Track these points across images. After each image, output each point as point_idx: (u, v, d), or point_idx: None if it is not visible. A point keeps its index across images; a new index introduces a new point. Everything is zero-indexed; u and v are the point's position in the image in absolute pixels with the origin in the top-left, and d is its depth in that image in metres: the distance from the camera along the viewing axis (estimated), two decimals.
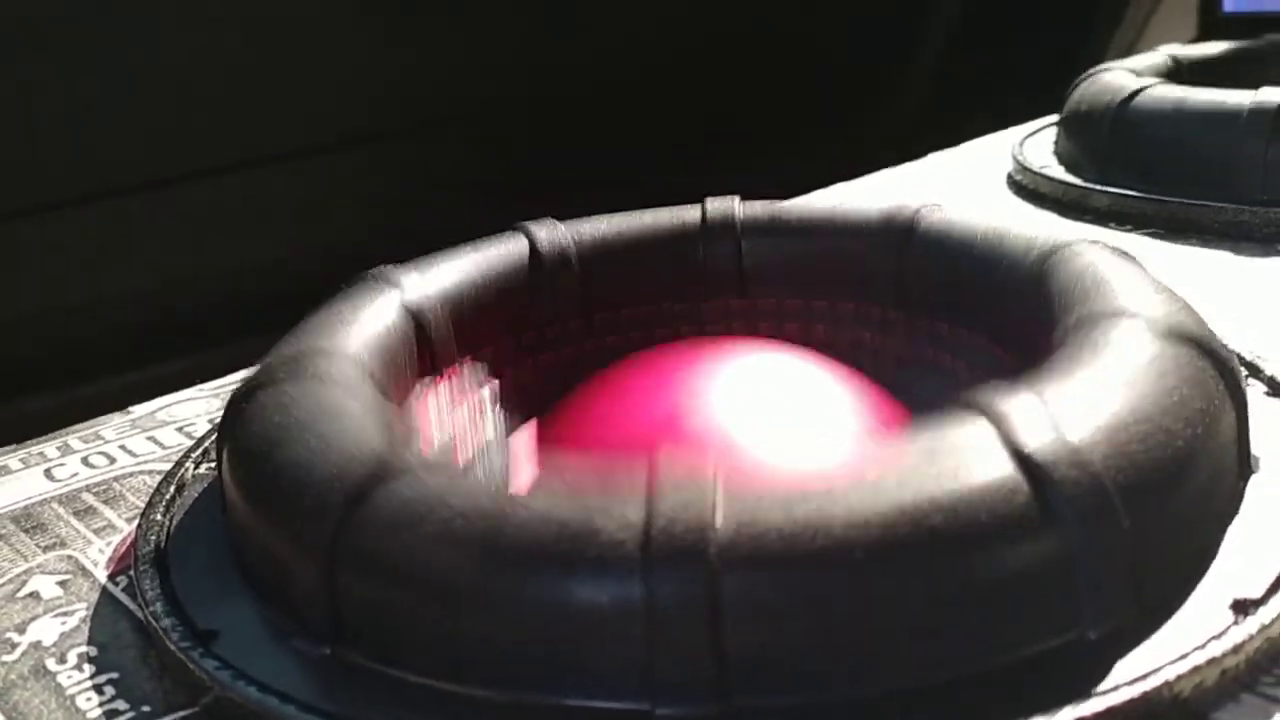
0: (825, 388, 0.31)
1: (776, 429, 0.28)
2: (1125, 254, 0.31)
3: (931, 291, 0.34)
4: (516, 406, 0.34)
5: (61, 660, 0.26)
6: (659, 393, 0.30)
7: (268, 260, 0.70)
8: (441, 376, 0.33)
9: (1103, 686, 0.20)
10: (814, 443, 0.28)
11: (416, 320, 0.32)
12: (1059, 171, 0.56)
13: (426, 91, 0.74)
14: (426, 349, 0.32)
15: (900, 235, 0.34)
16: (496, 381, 0.34)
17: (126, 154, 0.63)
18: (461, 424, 0.33)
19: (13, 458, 0.36)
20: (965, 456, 0.22)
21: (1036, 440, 0.22)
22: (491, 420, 0.34)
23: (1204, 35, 0.99)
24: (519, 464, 0.31)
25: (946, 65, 1.06)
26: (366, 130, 0.73)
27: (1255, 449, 0.28)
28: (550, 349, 0.36)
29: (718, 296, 0.37)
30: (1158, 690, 0.20)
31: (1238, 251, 0.46)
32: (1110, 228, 0.50)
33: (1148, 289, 0.28)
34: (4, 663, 0.26)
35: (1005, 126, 0.68)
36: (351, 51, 0.70)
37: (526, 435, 0.33)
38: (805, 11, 0.96)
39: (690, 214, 0.37)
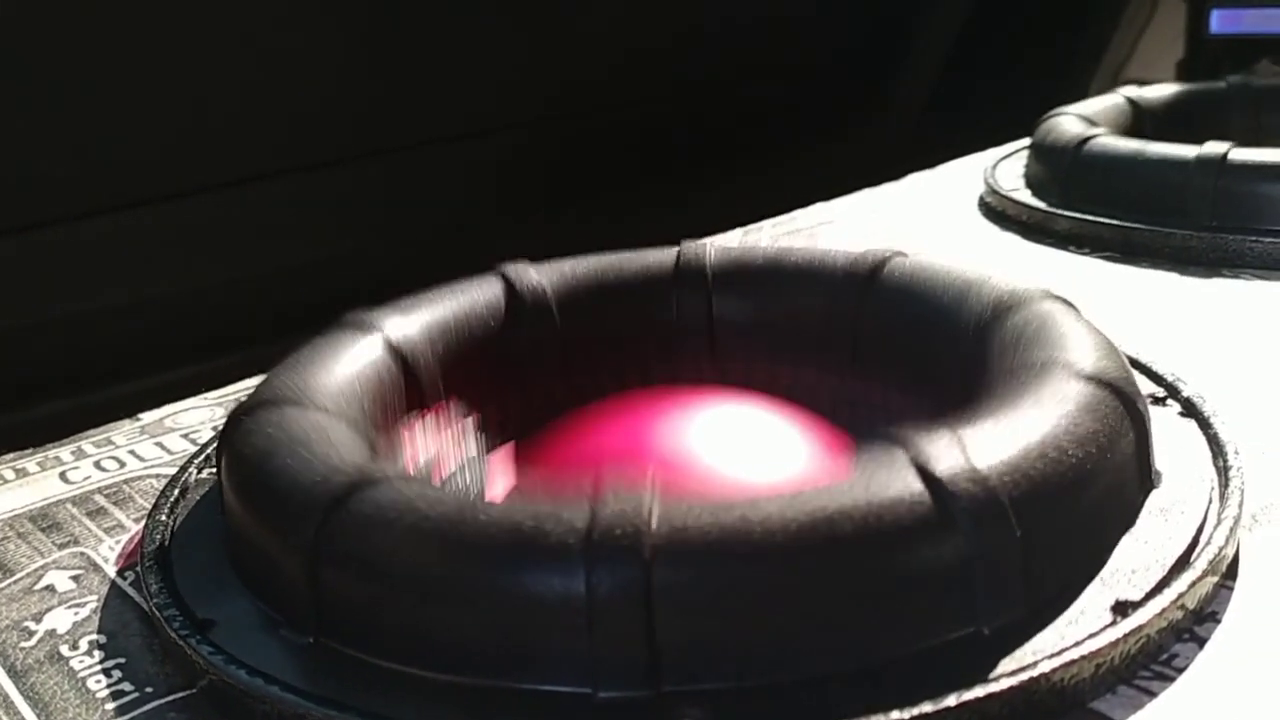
0: (777, 436, 0.33)
1: (724, 465, 0.31)
2: (1064, 304, 0.33)
3: (886, 355, 0.36)
4: (495, 446, 0.36)
5: (74, 647, 0.29)
6: (621, 431, 0.33)
7: (270, 272, 0.72)
8: (423, 418, 0.35)
9: (989, 676, 0.23)
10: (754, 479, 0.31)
11: (403, 372, 0.34)
12: (1026, 195, 0.59)
13: (426, 111, 0.77)
14: (415, 399, 0.35)
15: (859, 295, 0.37)
16: (475, 424, 0.36)
17: (135, 168, 0.66)
18: (442, 456, 0.35)
19: (30, 461, 0.38)
20: (876, 472, 0.25)
21: (939, 457, 0.25)
22: (469, 452, 0.36)
23: (1191, 57, 1.02)
24: (490, 477, 0.34)
25: (937, 84, 1.08)
26: (368, 147, 0.75)
27: (1161, 465, 0.30)
28: (532, 412, 0.38)
29: (690, 357, 0.39)
30: (1036, 680, 0.23)
31: (1184, 274, 0.49)
32: (1070, 250, 0.53)
33: (1070, 339, 0.31)
34: (22, 648, 0.29)
35: (995, 144, 0.70)
36: (354, 72, 0.73)
37: (500, 461, 0.36)
38: (798, 32, 0.98)
39: (664, 265, 0.39)
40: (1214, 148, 0.51)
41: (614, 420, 0.33)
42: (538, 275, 0.38)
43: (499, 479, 0.33)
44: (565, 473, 0.31)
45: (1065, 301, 0.34)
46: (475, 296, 0.37)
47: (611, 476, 0.24)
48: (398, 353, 0.34)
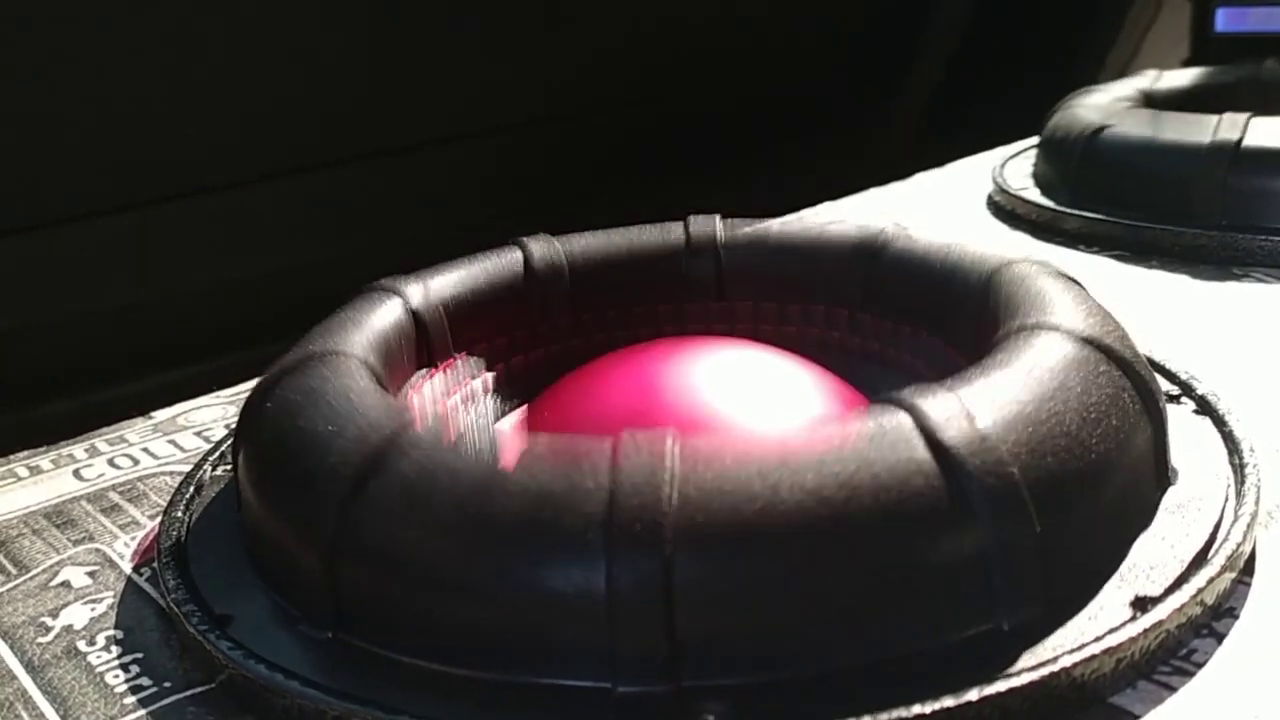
0: (786, 379, 0.33)
1: (737, 417, 0.31)
2: (1066, 276, 0.33)
3: (894, 298, 0.37)
4: (507, 397, 0.37)
5: (91, 642, 0.29)
6: (634, 383, 0.33)
7: (280, 270, 0.72)
8: (437, 368, 0.36)
9: (1009, 671, 0.23)
10: (767, 431, 0.31)
11: (418, 325, 0.35)
12: (1035, 194, 0.59)
13: (434, 110, 0.77)
14: (425, 350, 0.35)
15: (869, 251, 0.37)
16: (489, 375, 0.37)
17: (145, 168, 0.66)
18: (455, 411, 0.36)
19: (44, 459, 0.39)
20: (898, 466, 0.24)
21: (963, 449, 0.25)
22: (482, 407, 0.37)
23: (1196, 55, 1.02)
24: (504, 444, 0.34)
25: (944, 84, 1.08)
26: (377, 146, 0.76)
27: (1177, 462, 0.30)
28: (540, 346, 0.39)
29: (699, 315, 0.39)
30: (1056, 675, 0.23)
31: (1195, 274, 0.49)
32: (1080, 249, 0.53)
33: (1082, 307, 0.31)
34: (39, 644, 0.29)
35: (1001, 143, 0.71)
36: (363, 72, 0.73)
37: (515, 419, 0.36)
38: (803, 31, 0.98)
39: (674, 231, 0.40)
40: (1224, 142, 0.51)
41: (625, 374, 0.33)
42: (553, 245, 0.39)
43: (512, 444, 0.33)
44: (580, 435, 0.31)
45: (1065, 275, 0.33)
46: (492, 264, 0.38)
47: (629, 449, 0.24)
48: (415, 320, 0.34)
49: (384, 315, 0.34)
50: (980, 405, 0.26)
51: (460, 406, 0.36)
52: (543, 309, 0.38)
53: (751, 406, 0.31)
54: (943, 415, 0.25)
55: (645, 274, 0.39)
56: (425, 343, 0.35)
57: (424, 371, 0.35)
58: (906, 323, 0.36)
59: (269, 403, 0.30)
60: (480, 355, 0.37)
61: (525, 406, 0.37)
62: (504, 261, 0.38)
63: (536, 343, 0.38)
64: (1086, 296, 0.32)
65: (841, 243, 0.38)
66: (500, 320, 0.38)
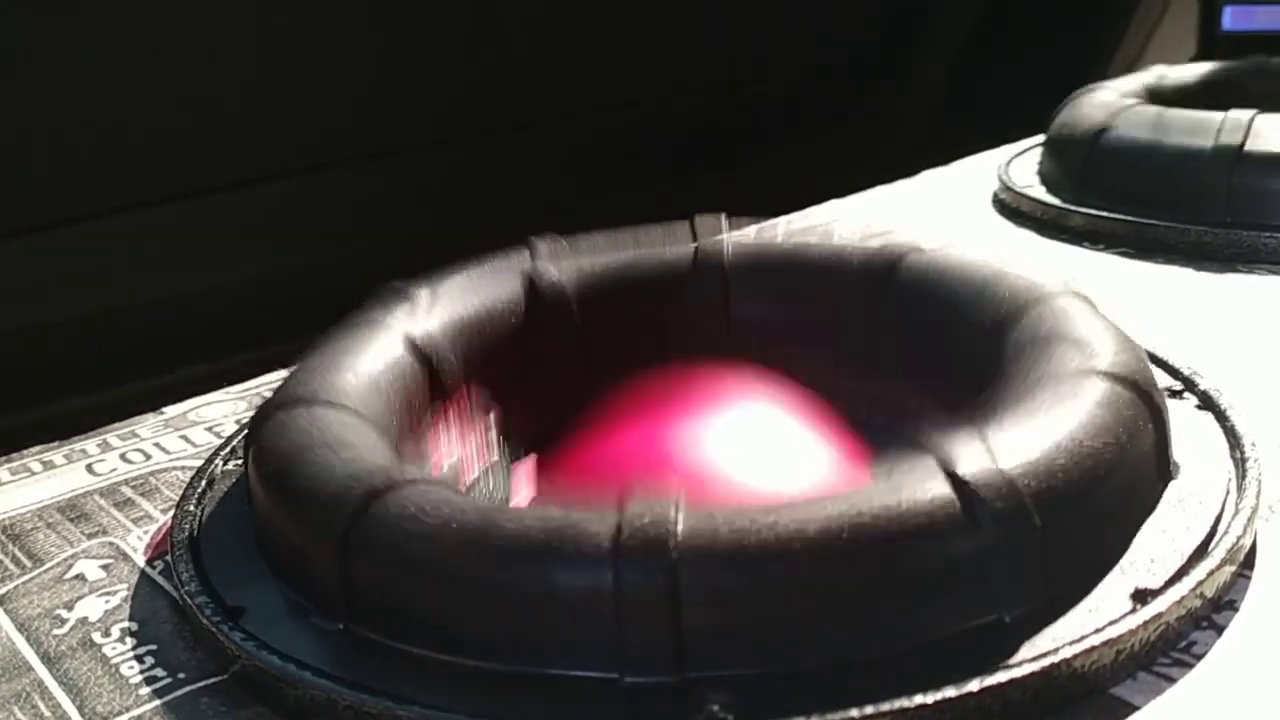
0: (798, 444, 0.33)
1: (746, 472, 0.31)
2: (1081, 298, 0.34)
3: (903, 351, 0.36)
4: (518, 446, 0.37)
5: (106, 634, 0.29)
6: (645, 439, 0.33)
7: (289, 269, 0.73)
8: (447, 419, 0.36)
9: (1010, 662, 0.24)
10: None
11: (424, 360, 0.34)
12: (1040, 192, 0.59)
13: (441, 110, 0.78)
14: (437, 389, 0.35)
15: (877, 291, 0.37)
16: (498, 424, 0.37)
17: (158, 168, 0.67)
18: (467, 458, 0.35)
19: (57, 453, 0.39)
20: (899, 465, 0.25)
21: (961, 451, 0.25)
22: (494, 455, 0.36)
23: (1203, 53, 1.02)
24: (517, 486, 0.34)
25: (950, 81, 1.08)
26: (385, 146, 0.76)
27: (1179, 457, 0.31)
28: (552, 397, 0.38)
29: (708, 346, 0.39)
30: (1057, 666, 0.23)
31: (1199, 270, 0.49)
32: (1084, 246, 0.53)
33: (1087, 333, 0.31)
34: (54, 635, 0.29)
35: (1007, 141, 0.71)
36: (372, 71, 0.73)
37: (526, 468, 0.36)
38: (811, 29, 0.98)
39: (684, 259, 0.39)
40: (1229, 140, 0.51)
41: (635, 429, 0.33)
42: (557, 270, 0.38)
43: (523, 486, 0.33)
44: (590, 481, 0.31)
45: (1082, 296, 0.34)
46: (496, 291, 0.37)
47: (638, 481, 0.25)
48: (419, 349, 0.34)
49: (390, 347, 0.34)
50: (985, 419, 0.27)
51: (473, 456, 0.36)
52: (553, 357, 0.38)
53: (764, 471, 0.31)
54: (950, 433, 0.26)
55: (654, 312, 0.39)
56: (439, 392, 0.35)
57: (436, 420, 0.35)
58: (912, 384, 0.36)
59: (285, 409, 0.30)
60: (489, 404, 0.37)
61: (532, 458, 0.36)
62: (509, 288, 0.38)
63: (545, 394, 0.38)
64: (1097, 318, 0.32)
65: (848, 281, 0.38)
66: (506, 360, 0.37)
